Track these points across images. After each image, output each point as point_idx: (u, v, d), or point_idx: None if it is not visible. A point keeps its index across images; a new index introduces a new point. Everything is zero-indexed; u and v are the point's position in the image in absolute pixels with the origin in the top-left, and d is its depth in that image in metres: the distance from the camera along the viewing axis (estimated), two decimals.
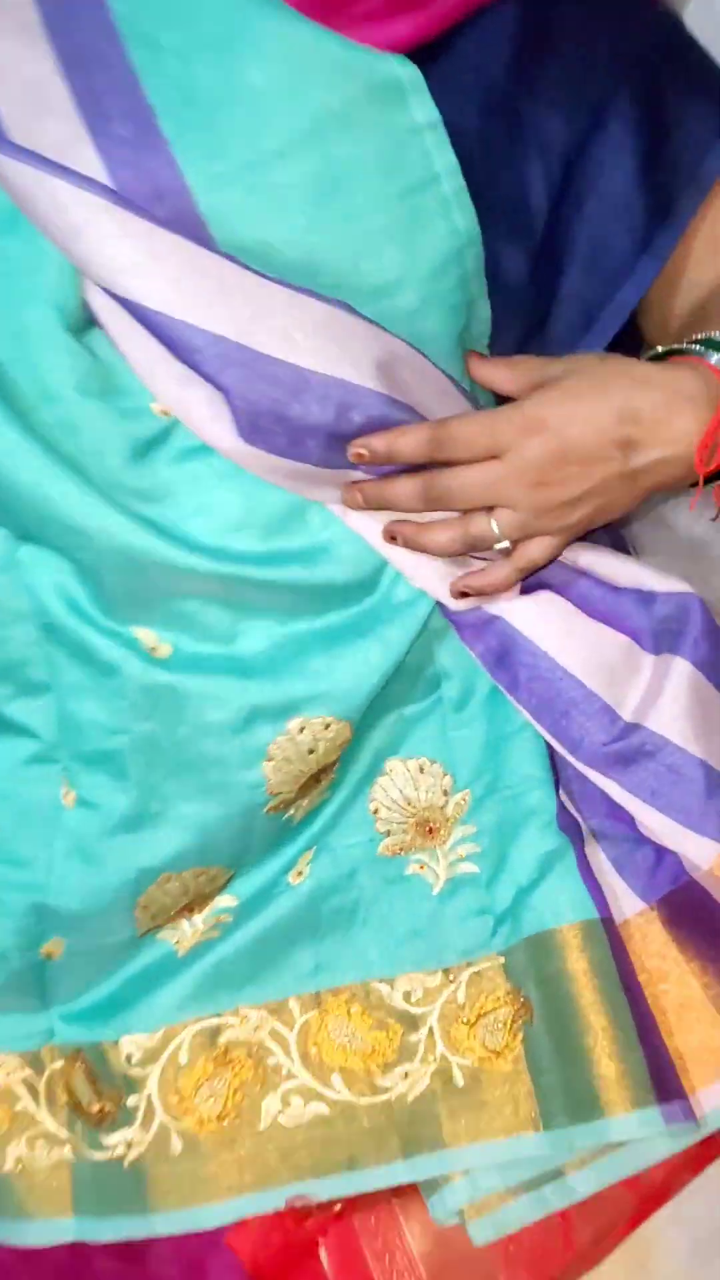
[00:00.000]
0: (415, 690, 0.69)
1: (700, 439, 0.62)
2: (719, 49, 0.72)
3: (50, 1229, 0.66)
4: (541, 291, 0.69)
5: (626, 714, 0.67)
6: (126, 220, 0.56)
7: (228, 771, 0.64)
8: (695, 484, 0.64)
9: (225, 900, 0.68)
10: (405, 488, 0.62)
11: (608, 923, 0.66)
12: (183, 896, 0.67)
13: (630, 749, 0.66)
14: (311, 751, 0.65)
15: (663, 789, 0.66)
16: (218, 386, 0.58)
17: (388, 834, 0.69)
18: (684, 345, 0.67)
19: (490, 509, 0.62)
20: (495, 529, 0.62)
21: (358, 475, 0.63)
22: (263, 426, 0.59)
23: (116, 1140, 0.67)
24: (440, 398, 0.63)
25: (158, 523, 0.62)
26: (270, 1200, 0.66)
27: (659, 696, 0.67)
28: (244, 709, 0.63)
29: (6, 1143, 0.67)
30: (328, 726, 0.65)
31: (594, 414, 0.61)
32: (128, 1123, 0.67)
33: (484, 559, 0.66)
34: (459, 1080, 0.66)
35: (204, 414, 0.61)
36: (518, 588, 0.66)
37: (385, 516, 0.65)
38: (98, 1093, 0.67)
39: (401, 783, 0.69)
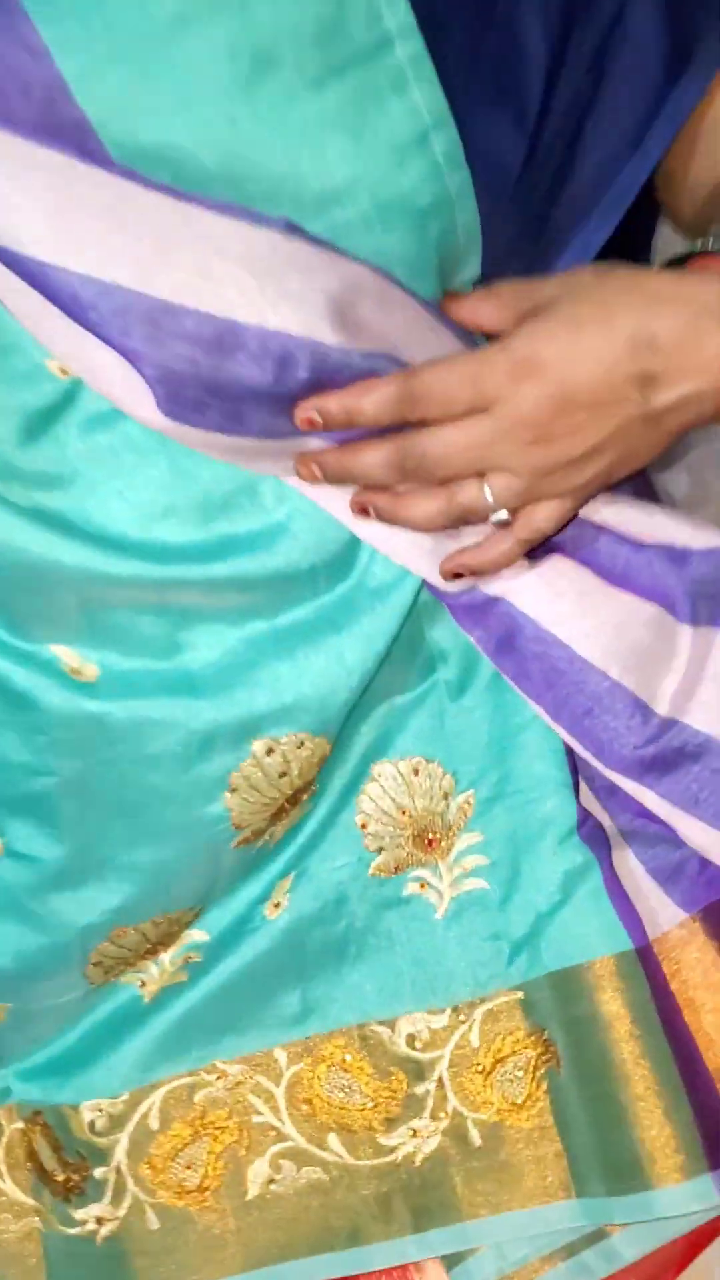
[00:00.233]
0: (405, 676, 0.58)
1: None
2: None
3: None
4: (540, 176, 0.54)
5: (662, 707, 0.55)
6: None
7: (181, 809, 0.53)
8: None
9: (195, 935, 0.58)
10: (374, 457, 0.50)
11: (644, 953, 0.56)
12: (144, 944, 0.57)
13: (669, 751, 0.55)
14: (284, 775, 0.54)
15: (709, 796, 0.55)
16: (120, 351, 0.45)
17: (380, 851, 0.58)
18: (709, 245, 0.54)
19: (482, 474, 0.50)
20: (489, 497, 0.50)
21: (314, 443, 0.50)
22: (186, 397, 0.47)
23: (86, 1215, 0.58)
24: (417, 335, 0.50)
25: (64, 516, 0.50)
26: None
27: (700, 682, 0.55)
28: (194, 735, 0.52)
29: None
30: (301, 745, 0.54)
31: (601, 346, 0.49)
32: (97, 1197, 0.58)
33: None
34: (475, 1139, 0.57)
35: (112, 377, 0.47)
36: (523, 559, 0.54)
37: (354, 485, 0.52)
38: (62, 1162, 0.58)
39: (393, 789, 0.58)
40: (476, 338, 0.53)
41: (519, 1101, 0.56)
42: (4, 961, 0.55)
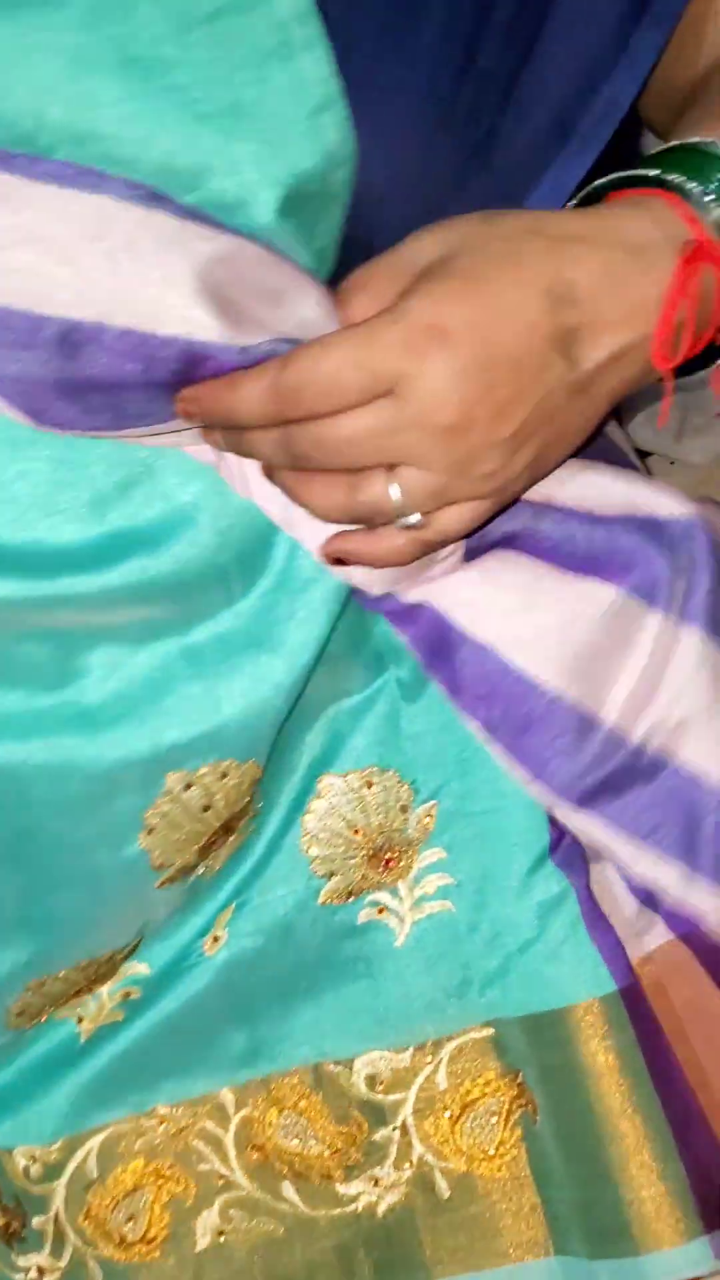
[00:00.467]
0: (351, 676, 0.50)
1: (660, 313, 0.42)
2: None
3: None
4: (487, 94, 0.45)
5: (610, 715, 0.47)
6: None
7: (88, 856, 0.47)
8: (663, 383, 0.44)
9: (136, 968, 0.52)
10: (265, 437, 0.42)
11: (629, 992, 0.49)
12: (72, 987, 0.51)
13: (617, 772, 0.47)
14: (207, 809, 0.47)
15: (665, 822, 0.48)
16: None
17: (330, 875, 0.51)
18: (631, 173, 0.46)
19: (391, 467, 0.42)
20: (396, 497, 0.42)
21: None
22: (42, 405, 0.39)
23: (28, 1264, 0.53)
24: (306, 311, 0.42)
25: None
26: None
27: (659, 685, 0.47)
28: (95, 778, 0.45)
29: None
30: (224, 775, 0.47)
31: (516, 302, 0.40)
32: (37, 1247, 0.53)
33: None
34: (443, 1190, 0.51)
35: None
36: (458, 552, 0.46)
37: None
38: (1, 1206, 0.54)
39: (343, 805, 0.51)
40: None
41: (491, 1151, 0.50)
42: None
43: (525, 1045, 0.50)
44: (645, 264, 0.42)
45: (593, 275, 0.41)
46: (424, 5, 0.45)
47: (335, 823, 0.51)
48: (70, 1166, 0.53)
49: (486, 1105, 0.51)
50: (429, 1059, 0.51)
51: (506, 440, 0.41)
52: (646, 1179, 0.48)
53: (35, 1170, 0.53)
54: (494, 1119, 0.50)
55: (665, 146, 0.48)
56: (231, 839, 0.50)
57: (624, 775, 0.48)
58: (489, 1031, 0.51)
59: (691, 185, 0.44)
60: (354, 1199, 0.52)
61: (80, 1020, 0.52)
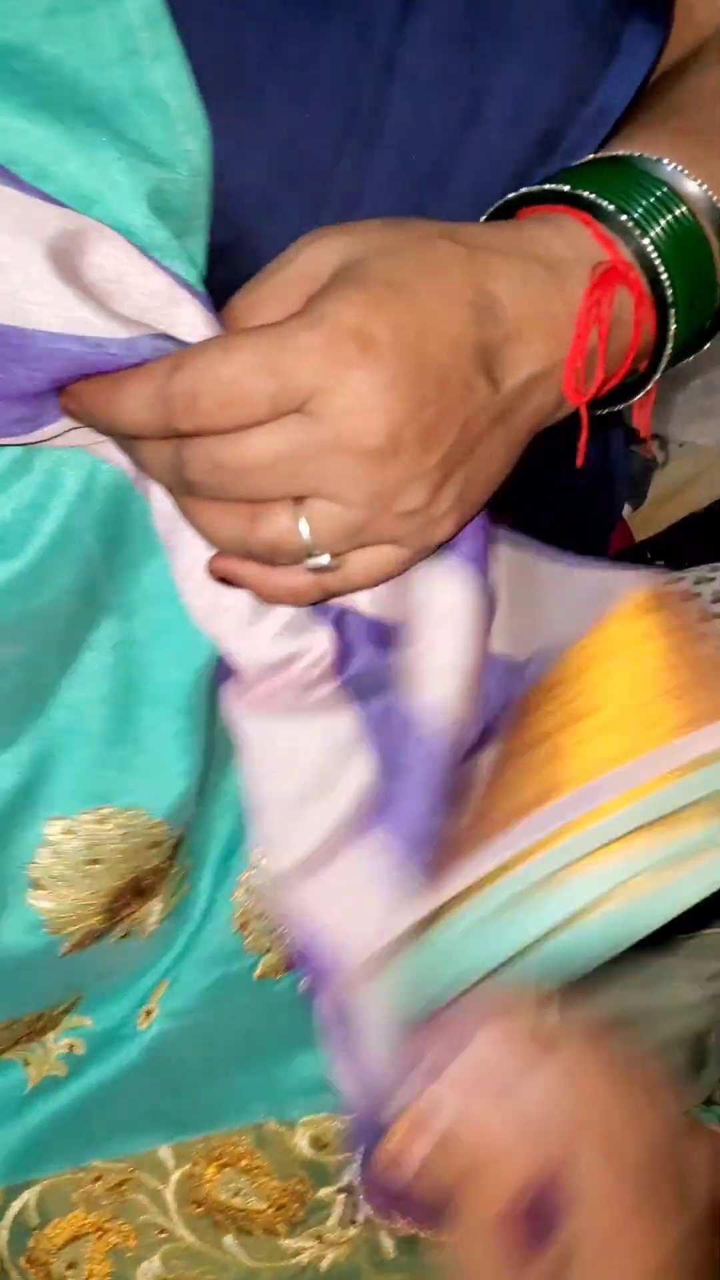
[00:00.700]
0: None
1: (573, 333, 0.39)
2: None
3: None
4: (430, 109, 0.42)
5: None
6: None
7: None
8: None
9: (81, 1020, 0.50)
10: (153, 452, 0.37)
11: None
12: (13, 1035, 0.49)
13: None
14: (95, 862, 0.44)
15: None
16: None
17: (267, 951, 0.49)
18: (544, 188, 0.42)
19: (300, 498, 0.36)
20: (304, 534, 0.37)
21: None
22: None
23: None
24: (187, 316, 0.37)
25: None
26: None
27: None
28: None
29: None
30: (103, 821, 0.44)
31: (439, 310, 0.36)
32: None
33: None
34: (388, 1250, 0.50)
35: None
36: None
37: None
38: None
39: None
40: None
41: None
42: None
43: None
44: (559, 282, 0.38)
45: (513, 289, 0.37)
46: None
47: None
48: (10, 1213, 0.52)
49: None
50: None
51: (432, 471, 0.36)
52: None
53: None
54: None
55: (589, 158, 0.44)
56: (154, 903, 0.48)
57: None
58: None
59: (606, 204, 0.41)
60: (297, 1253, 0.50)
61: (27, 1064, 0.51)
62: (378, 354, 0.34)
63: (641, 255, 0.41)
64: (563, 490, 0.69)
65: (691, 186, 0.43)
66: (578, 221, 0.40)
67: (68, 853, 0.44)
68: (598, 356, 0.40)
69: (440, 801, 0.42)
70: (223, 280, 0.39)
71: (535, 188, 0.42)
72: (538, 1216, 0.39)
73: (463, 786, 0.44)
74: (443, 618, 0.42)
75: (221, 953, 0.48)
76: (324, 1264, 0.50)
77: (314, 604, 0.40)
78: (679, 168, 0.43)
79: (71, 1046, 0.50)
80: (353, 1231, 0.50)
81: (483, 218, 0.44)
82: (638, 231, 0.41)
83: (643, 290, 0.41)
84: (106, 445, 0.39)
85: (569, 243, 0.39)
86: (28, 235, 0.34)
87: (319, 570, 0.38)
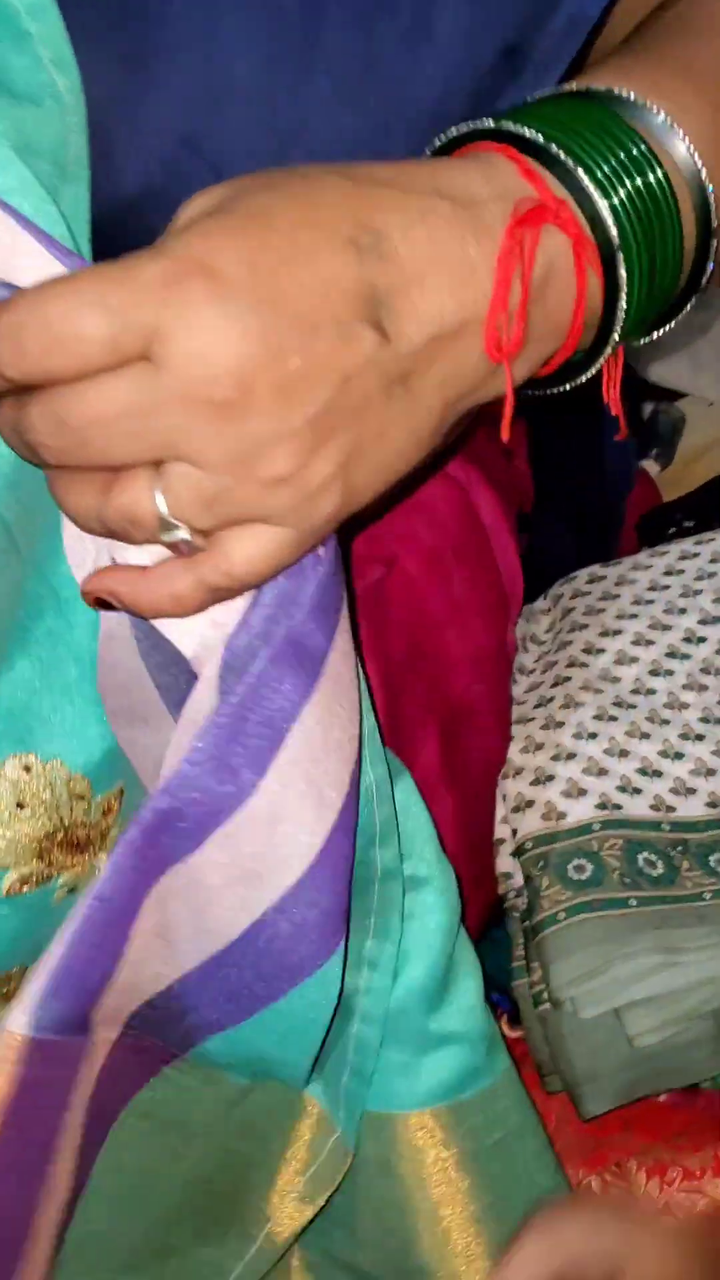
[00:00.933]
0: None
1: (494, 283, 0.33)
2: None
3: None
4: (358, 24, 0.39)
5: None
6: None
7: None
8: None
9: None
10: None
11: None
12: None
13: None
14: (21, 806, 0.42)
15: None
16: None
17: None
18: (469, 126, 0.37)
19: (159, 463, 0.32)
20: (159, 504, 0.32)
21: None
22: None
23: None
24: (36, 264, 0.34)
25: None
26: None
27: None
28: None
29: None
30: (27, 769, 0.42)
31: (307, 243, 0.31)
32: None
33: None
34: None
35: None
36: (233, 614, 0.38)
37: None
38: None
39: None
40: None
41: None
42: None
43: None
44: (472, 222, 0.33)
45: (408, 226, 0.32)
46: None
47: None
48: None
49: None
50: None
51: (300, 431, 0.31)
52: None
53: None
54: None
55: (558, 90, 0.39)
56: (99, 860, 0.46)
57: None
58: None
59: (536, 136, 0.36)
60: None
61: None
62: (226, 290, 0.30)
63: (593, 214, 0.36)
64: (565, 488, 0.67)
65: (678, 146, 0.38)
66: (506, 160, 0.35)
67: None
68: (520, 311, 0.34)
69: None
70: (142, 234, 0.34)
71: (470, 125, 0.37)
72: None
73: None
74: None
75: None
76: None
77: (199, 611, 0.36)
78: (669, 120, 0.38)
79: None
80: None
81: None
82: (595, 189, 0.36)
83: (582, 233, 0.35)
84: None
85: (489, 179, 0.34)
86: None
87: (182, 550, 0.34)
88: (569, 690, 0.68)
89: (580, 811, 0.63)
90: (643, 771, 0.65)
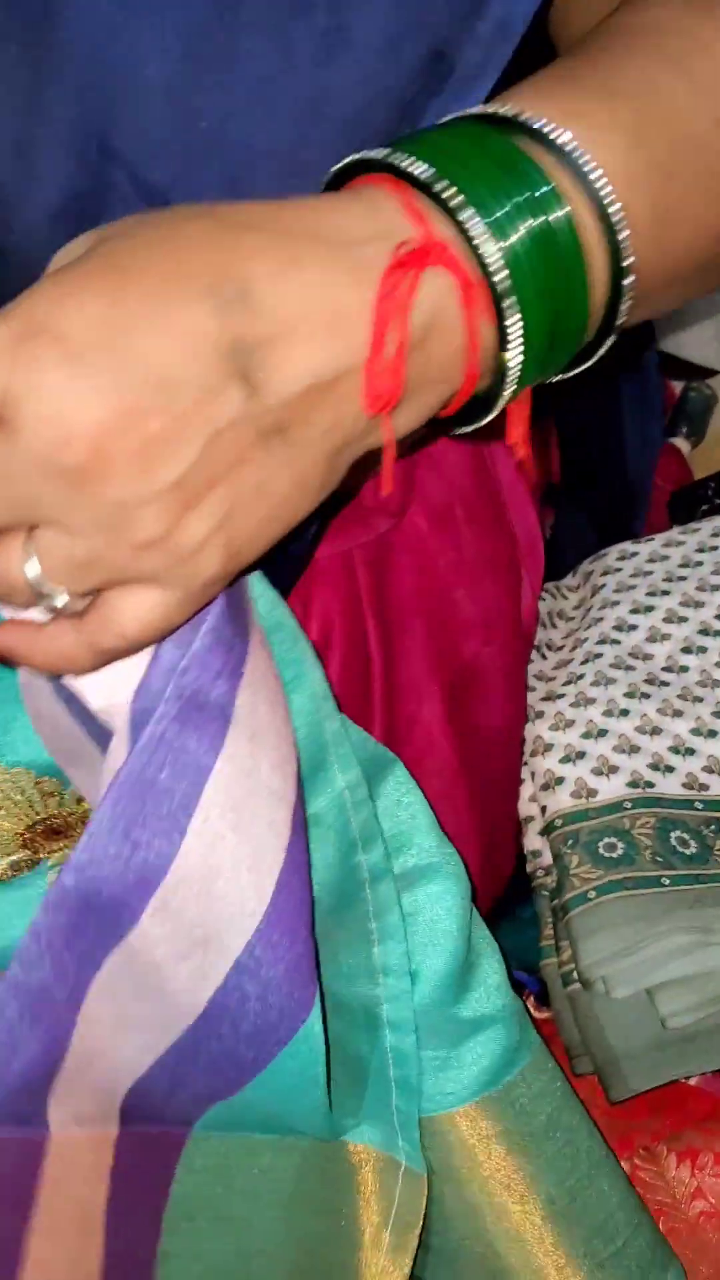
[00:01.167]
0: None
1: (371, 330, 0.31)
2: None
3: None
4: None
5: None
6: None
7: None
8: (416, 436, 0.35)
9: None
10: None
11: None
12: None
13: None
14: None
15: None
16: None
17: None
18: (363, 155, 0.35)
19: (32, 528, 0.31)
20: (32, 566, 0.32)
21: None
22: None
23: None
24: None
25: None
26: None
27: None
28: None
29: None
30: None
31: (166, 296, 0.30)
32: None
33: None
34: None
35: None
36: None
37: None
38: None
39: None
40: None
41: None
42: None
43: None
44: (349, 266, 0.31)
45: (276, 273, 0.30)
46: None
47: None
48: None
49: None
50: None
51: (166, 493, 0.30)
52: None
53: None
54: None
55: (465, 114, 0.37)
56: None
57: None
58: None
59: (426, 171, 0.33)
60: None
61: None
62: (75, 351, 0.29)
63: (482, 256, 0.33)
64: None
65: (589, 181, 0.35)
66: (389, 192, 0.33)
67: None
68: (398, 360, 0.32)
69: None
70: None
71: (360, 155, 0.35)
72: None
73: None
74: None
75: None
76: None
77: (94, 669, 0.35)
78: (581, 152, 0.35)
79: None
80: None
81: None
82: (486, 230, 0.33)
83: (469, 277, 0.33)
84: None
85: (370, 218, 0.32)
86: None
87: (64, 615, 0.33)
88: (600, 667, 0.67)
89: (611, 789, 0.61)
90: (675, 749, 0.63)
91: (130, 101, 0.36)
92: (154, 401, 0.29)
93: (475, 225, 0.33)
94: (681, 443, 0.94)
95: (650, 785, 0.61)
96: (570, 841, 0.59)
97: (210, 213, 0.31)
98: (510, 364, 0.35)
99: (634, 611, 0.70)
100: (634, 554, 0.74)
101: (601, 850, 0.59)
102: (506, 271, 0.33)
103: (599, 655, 0.67)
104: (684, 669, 0.67)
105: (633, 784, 0.61)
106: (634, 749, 0.63)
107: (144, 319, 0.29)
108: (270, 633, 0.40)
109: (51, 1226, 0.38)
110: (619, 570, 0.73)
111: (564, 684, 0.66)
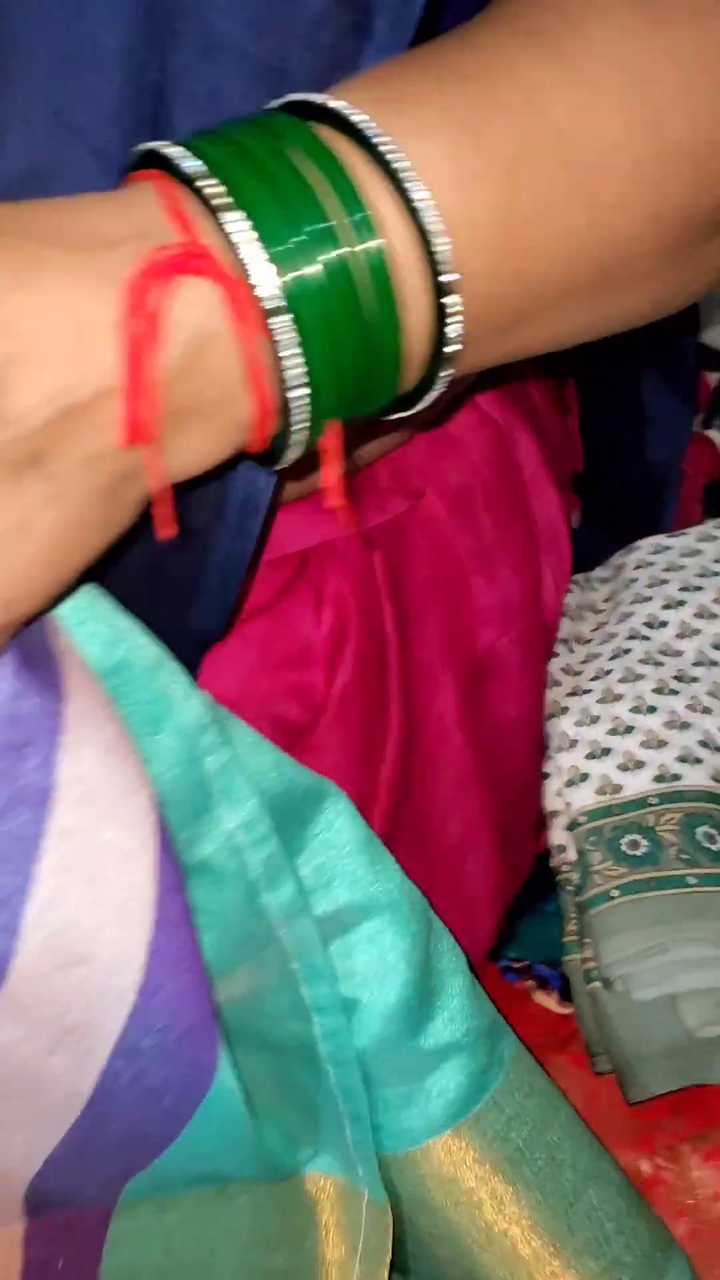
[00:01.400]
0: None
1: (125, 349, 0.28)
2: None
3: None
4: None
5: None
6: None
7: None
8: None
9: None
10: None
11: None
12: None
13: None
14: None
15: None
16: None
17: None
18: (152, 146, 0.31)
19: None
20: None
21: None
22: None
23: None
24: None
25: None
26: None
27: None
28: None
29: None
30: None
31: None
32: None
33: None
34: None
35: None
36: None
37: None
38: None
39: None
40: None
41: None
42: None
43: None
44: (95, 273, 0.28)
45: (10, 284, 0.27)
46: None
47: None
48: None
49: None
50: None
51: None
52: None
53: None
54: None
55: (273, 104, 0.33)
56: None
57: None
58: None
59: (193, 165, 0.30)
60: None
61: None
62: None
63: (244, 267, 0.29)
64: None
65: (409, 197, 0.30)
66: (153, 189, 0.30)
67: None
68: (152, 383, 0.28)
69: None
70: None
71: (151, 145, 0.31)
72: None
73: None
74: None
75: None
76: None
77: None
78: (409, 169, 0.30)
79: None
80: None
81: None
82: (253, 237, 0.29)
83: (243, 292, 0.29)
84: None
85: (125, 217, 0.29)
86: None
87: None
88: (628, 663, 0.66)
89: (637, 785, 0.60)
90: (704, 744, 0.62)
91: (84, 68, 0.33)
92: None
93: (241, 231, 0.29)
94: (716, 435, 0.92)
95: (677, 777, 0.60)
96: (593, 838, 0.58)
97: None
98: (294, 399, 0.31)
99: (666, 607, 0.69)
100: (667, 548, 0.73)
101: (624, 848, 0.58)
102: (277, 286, 0.29)
103: (628, 651, 0.66)
104: (714, 664, 0.66)
105: (659, 778, 0.60)
106: (661, 744, 0.62)
107: None
108: (110, 676, 0.36)
109: None
110: (651, 564, 0.72)
111: (591, 679, 0.65)
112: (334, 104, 0.31)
